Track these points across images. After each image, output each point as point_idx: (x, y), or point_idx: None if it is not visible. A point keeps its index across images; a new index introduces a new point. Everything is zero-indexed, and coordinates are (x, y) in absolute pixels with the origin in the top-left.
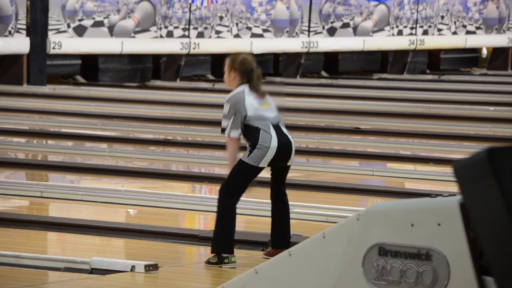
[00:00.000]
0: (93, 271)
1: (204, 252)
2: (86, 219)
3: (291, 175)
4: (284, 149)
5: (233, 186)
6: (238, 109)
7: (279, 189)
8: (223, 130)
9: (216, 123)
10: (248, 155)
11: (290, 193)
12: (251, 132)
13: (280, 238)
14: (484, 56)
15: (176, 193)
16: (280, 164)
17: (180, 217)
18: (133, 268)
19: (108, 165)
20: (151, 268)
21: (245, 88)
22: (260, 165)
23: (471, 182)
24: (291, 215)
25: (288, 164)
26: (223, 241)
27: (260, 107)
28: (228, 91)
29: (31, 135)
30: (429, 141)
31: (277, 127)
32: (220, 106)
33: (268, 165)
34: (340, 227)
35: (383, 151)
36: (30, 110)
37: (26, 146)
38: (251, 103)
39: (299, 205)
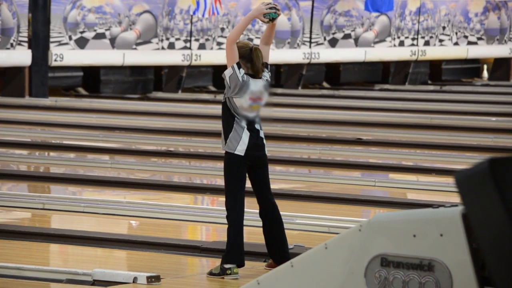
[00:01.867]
0: (95, 282)
1: (207, 263)
2: (88, 230)
3: (293, 186)
4: (254, 149)
5: (228, 191)
6: (237, 83)
7: (266, 199)
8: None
9: (218, 134)
10: (225, 144)
11: (291, 204)
12: (226, 117)
13: (278, 253)
14: (485, 78)
15: (178, 204)
16: (253, 161)
17: (182, 229)
18: (135, 280)
19: (110, 177)
20: (153, 279)
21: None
22: (237, 153)
23: (473, 193)
24: (293, 226)
25: (262, 163)
26: (233, 251)
27: (248, 107)
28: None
29: (33, 147)
30: (431, 152)
31: (252, 129)
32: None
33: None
34: (342, 238)
35: (385, 162)
36: (32, 122)
37: (28, 158)
38: (245, 96)
39: (301, 216)
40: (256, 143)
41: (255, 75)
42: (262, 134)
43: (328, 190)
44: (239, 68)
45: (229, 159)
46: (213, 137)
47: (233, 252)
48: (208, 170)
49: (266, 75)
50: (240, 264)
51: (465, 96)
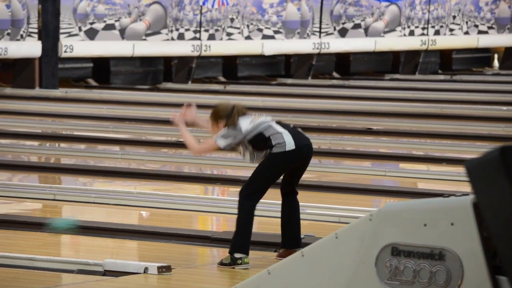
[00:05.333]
0: (106, 273)
1: (217, 253)
2: (99, 221)
3: (303, 176)
4: (304, 146)
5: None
6: (238, 133)
7: (291, 188)
8: (221, 141)
9: None
10: (271, 151)
11: (302, 194)
12: (259, 142)
13: (293, 238)
14: (496, 67)
15: (188, 194)
16: (298, 163)
17: (193, 219)
18: (146, 270)
19: (120, 168)
20: (164, 269)
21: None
22: (288, 149)
23: (484, 182)
24: (304, 216)
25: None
26: (238, 241)
27: (252, 118)
28: (237, 93)
29: (43, 138)
30: (441, 141)
31: (285, 125)
32: None
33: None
34: (352, 228)
35: (395, 152)
36: (43, 113)
37: (38, 149)
38: (243, 123)
39: (312, 206)
40: (298, 134)
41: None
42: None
43: (339, 180)
44: (228, 129)
45: (277, 157)
46: None
47: (242, 242)
48: (218, 160)
49: None
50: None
51: (476, 86)
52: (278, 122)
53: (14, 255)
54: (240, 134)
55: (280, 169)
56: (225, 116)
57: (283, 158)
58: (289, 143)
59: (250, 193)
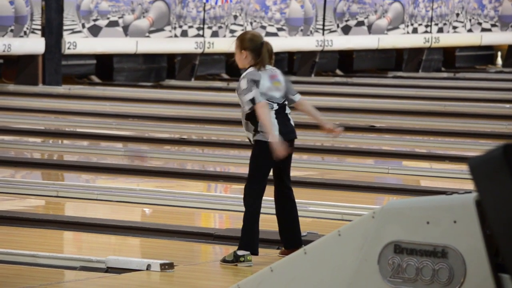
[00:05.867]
0: (108, 270)
1: (220, 250)
2: (101, 218)
3: (306, 173)
4: (285, 137)
5: (252, 177)
6: (256, 80)
7: (283, 184)
8: (252, 101)
9: (231, 121)
10: (255, 135)
11: (305, 192)
12: (252, 115)
13: (292, 238)
14: (499, 65)
15: (191, 192)
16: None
17: (196, 216)
18: (148, 267)
19: (123, 165)
20: (167, 266)
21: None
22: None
23: (487, 179)
24: (307, 213)
25: (289, 154)
26: (244, 238)
27: (272, 85)
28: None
29: (46, 135)
30: (444, 139)
31: (281, 112)
32: (235, 105)
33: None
34: (355, 225)
35: (398, 149)
36: (46, 110)
37: (41, 146)
38: (265, 80)
39: (315, 203)
40: (286, 125)
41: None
42: (290, 117)
43: (342, 177)
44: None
45: (261, 147)
46: (226, 124)
47: (247, 239)
48: (221, 157)
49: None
50: (253, 252)
51: (479, 83)
52: (280, 109)
53: (16, 252)
54: (254, 90)
55: (266, 158)
56: (251, 49)
57: (265, 146)
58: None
59: (250, 189)
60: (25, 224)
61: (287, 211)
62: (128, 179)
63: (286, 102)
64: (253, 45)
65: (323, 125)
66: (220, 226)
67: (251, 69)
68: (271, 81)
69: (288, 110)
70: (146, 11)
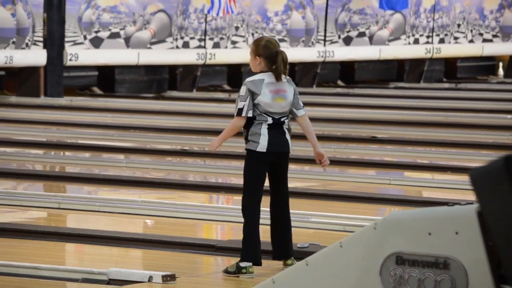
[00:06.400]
0: (110, 281)
1: (222, 262)
2: (103, 230)
3: (308, 184)
4: (274, 148)
5: (246, 189)
6: (254, 92)
7: (279, 194)
8: (239, 111)
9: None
10: (246, 143)
11: (307, 203)
12: (248, 121)
13: (282, 249)
14: (501, 76)
15: (193, 203)
16: (271, 167)
17: (197, 227)
18: (150, 279)
19: (125, 176)
20: (169, 278)
21: (265, 77)
22: (259, 150)
23: (488, 190)
24: (308, 225)
25: (283, 166)
26: (244, 249)
27: (272, 101)
28: None
29: (48, 146)
30: (446, 150)
31: (274, 126)
32: None
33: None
34: (357, 236)
35: (400, 160)
36: (47, 121)
37: (43, 157)
38: (265, 94)
39: (316, 214)
40: (278, 137)
41: (275, 79)
42: (286, 129)
43: (343, 188)
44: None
45: (251, 157)
46: None
47: (247, 250)
48: (223, 169)
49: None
50: (256, 263)
51: (481, 94)
52: (275, 124)
53: (18, 264)
54: (248, 101)
55: (256, 166)
56: (265, 56)
57: (254, 155)
58: (262, 146)
59: (246, 200)
60: (26, 236)
61: (280, 222)
62: (130, 190)
63: (286, 119)
64: (268, 53)
65: (315, 151)
66: (222, 237)
67: (259, 75)
68: (273, 97)
69: (286, 125)
70: (147, 22)
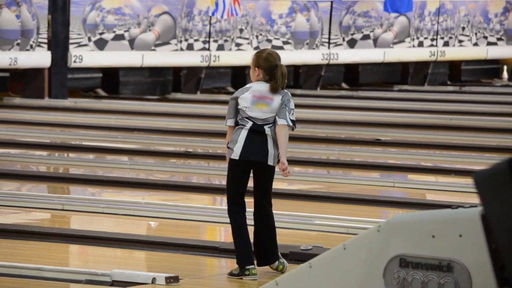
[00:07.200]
0: (114, 283)
1: (225, 264)
2: (107, 231)
3: (312, 187)
4: (245, 156)
5: (228, 192)
6: (238, 97)
7: (260, 202)
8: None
9: None
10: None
11: (310, 205)
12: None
13: (264, 255)
14: (505, 79)
15: (196, 205)
16: (254, 175)
17: (201, 229)
18: (154, 280)
19: (129, 178)
20: (172, 280)
21: (255, 84)
22: (232, 157)
23: (492, 193)
24: (312, 227)
25: (263, 177)
26: (239, 253)
27: (252, 106)
28: None
29: (52, 148)
30: (450, 153)
31: (254, 132)
32: None
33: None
34: (360, 239)
35: (404, 163)
36: (52, 123)
37: (47, 159)
38: (246, 98)
39: (320, 216)
40: (255, 146)
41: (271, 91)
42: (271, 139)
43: (347, 191)
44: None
45: (228, 163)
46: None
47: (239, 254)
48: (226, 171)
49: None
50: (251, 263)
51: (485, 97)
52: (255, 130)
53: (22, 265)
54: (230, 111)
55: (234, 174)
56: (264, 68)
57: (230, 163)
58: (235, 153)
59: (228, 207)
60: (30, 238)
61: (263, 235)
62: (133, 192)
63: (269, 128)
64: (267, 65)
65: (280, 161)
66: (225, 239)
67: (250, 83)
68: (255, 101)
69: (268, 132)
70: (152, 24)
